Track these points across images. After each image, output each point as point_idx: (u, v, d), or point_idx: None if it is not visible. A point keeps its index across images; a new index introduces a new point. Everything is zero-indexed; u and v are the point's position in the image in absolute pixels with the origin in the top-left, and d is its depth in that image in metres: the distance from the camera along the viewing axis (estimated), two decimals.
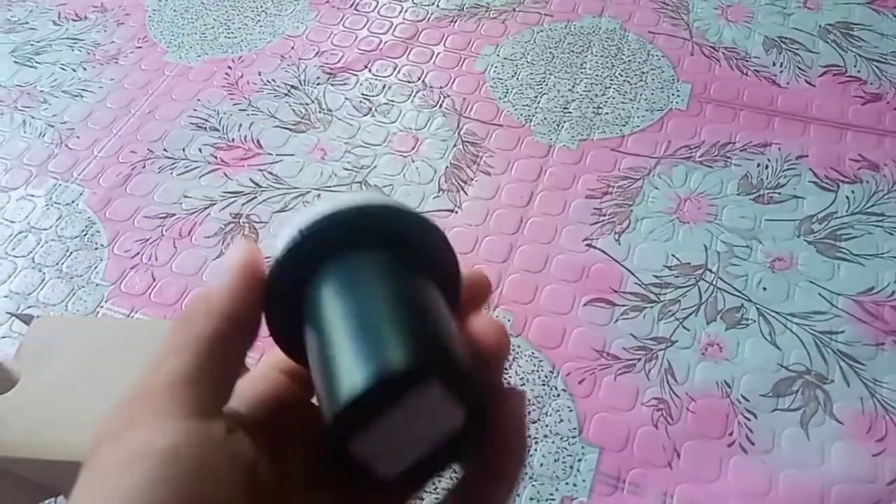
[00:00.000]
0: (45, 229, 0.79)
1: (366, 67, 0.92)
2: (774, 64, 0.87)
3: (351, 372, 0.15)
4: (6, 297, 0.73)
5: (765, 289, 0.68)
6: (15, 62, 0.97)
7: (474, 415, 0.16)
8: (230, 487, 0.16)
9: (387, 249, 0.18)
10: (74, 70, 0.95)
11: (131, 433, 0.16)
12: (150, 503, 0.14)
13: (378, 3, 1.00)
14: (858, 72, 0.85)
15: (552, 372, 0.64)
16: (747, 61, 0.88)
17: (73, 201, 0.81)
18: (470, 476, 0.18)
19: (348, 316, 0.17)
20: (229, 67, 0.94)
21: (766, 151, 0.79)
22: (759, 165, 0.78)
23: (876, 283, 0.68)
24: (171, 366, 0.17)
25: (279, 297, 0.18)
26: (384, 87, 0.90)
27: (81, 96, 0.92)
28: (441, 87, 0.89)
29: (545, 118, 0.84)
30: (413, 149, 0.83)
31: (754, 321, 0.66)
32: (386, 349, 0.15)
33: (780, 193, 0.75)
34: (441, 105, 0.87)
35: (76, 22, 1.02)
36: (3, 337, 0.70)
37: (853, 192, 0.75)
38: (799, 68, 0.87)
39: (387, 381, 0.15)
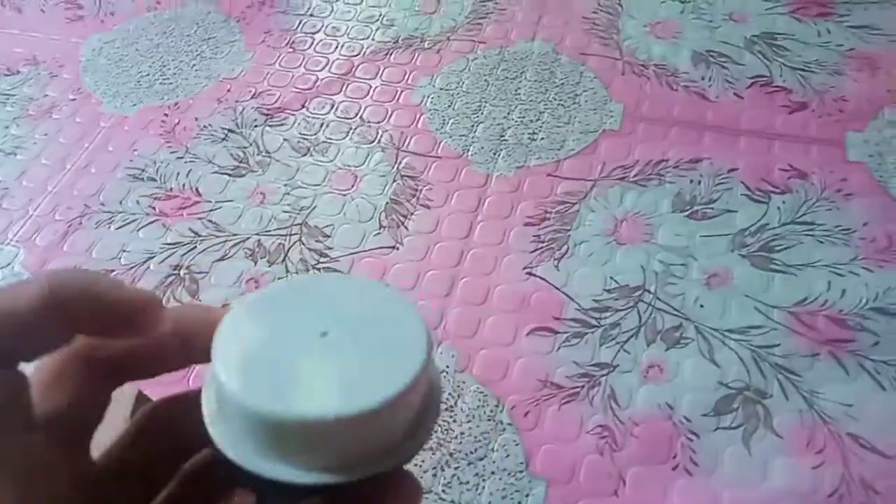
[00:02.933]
0: None
1: (303, 106, 0.92)
2: (703, 78, 0.89)
3: None
4: None
5: (702, 306, 0.69)
6: None
7: None
8: None
9: None
10: (7, 127, 0.94)
11: None
12: None
13: (313, 39, 1.01)
14: (784, 81, 0.87)
15: (497, 406, 0.64)
16: (677, 77, 0.89)
17: (8, 264, 0.79)
18: None
19: None
20: (165, 115, 0.93)
21: (699, 167, 0.80)
22: (691, 182, 0.79)
23: (809, 293, 0.69)
24: None
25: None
26: (322, 125, 0.90)
27: (15, 154, 0.91)
28: (378, 122, 0.89)
29: (482, 147, 0.85)
30: (352, 187, 0.83)
31: (693, 339, 0.67)
32: None
33: (713, 209, 0.76)
34: (379, 140, 0.87)
35: (8, 77, 1.00)
36: None
37: (784, 202, 0.76)
38: (727, 81, 0.88)
39: None
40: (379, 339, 0.19)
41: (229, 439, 0.18)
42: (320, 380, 0.18)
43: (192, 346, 0.21)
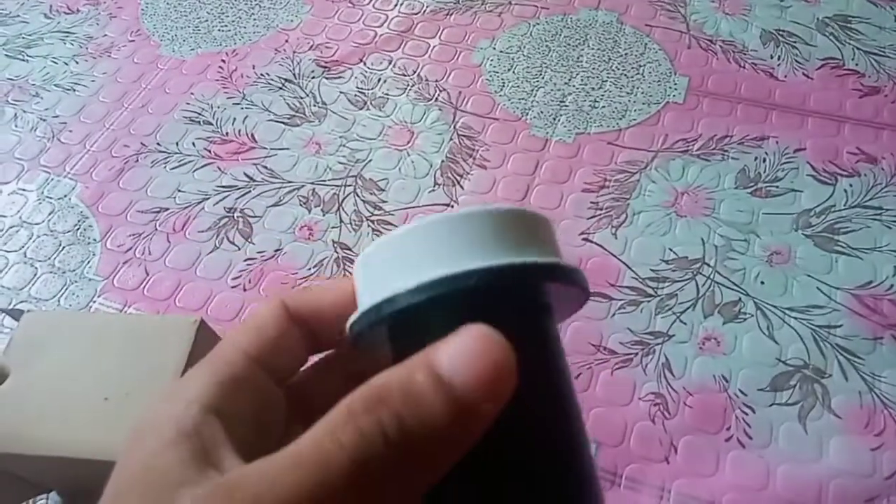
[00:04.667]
0: (37, 224, 0.78)
1: (361, 61, 0.92)
2: (772, 57, 0.87)
3: None
4: None
5: (762, 283, 0.67)
6: (6, 56, 0.96)
7: None
8: None
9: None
10: (66, 63, 0.94)
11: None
12: None
13: None
14: (856, 65, 0.85)
15: None
16: (745, 54, 0.87)
17: (65, 195, 0.80)
18: None
19: None
20: (223, 61, 0.93)
21: (764, 145, 0.78)
22: (756, 159, 0.77)
23: (874, 276, 0.67)
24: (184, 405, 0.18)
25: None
26: (379, 80, 0.89)
27: (74, 90, 0.91)
28: (437, 81, 0.88)
29: (542, 112, 0.84)
30: (408, 143, 0.82)
31: (752, 315, 0.65)
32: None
33: (777, 187, 0.75)
34: (436, 98, 0.86)
35: (68, 15, 1.01)
36: None
37: (851, 185, 0.74)
38: (797, 61, 0.86)
39: None
40: None
41: (378, 290, 0.17)
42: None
43: None
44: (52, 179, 0.82)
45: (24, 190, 0.81)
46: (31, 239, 0.76)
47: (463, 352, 0.15)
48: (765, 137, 0.79)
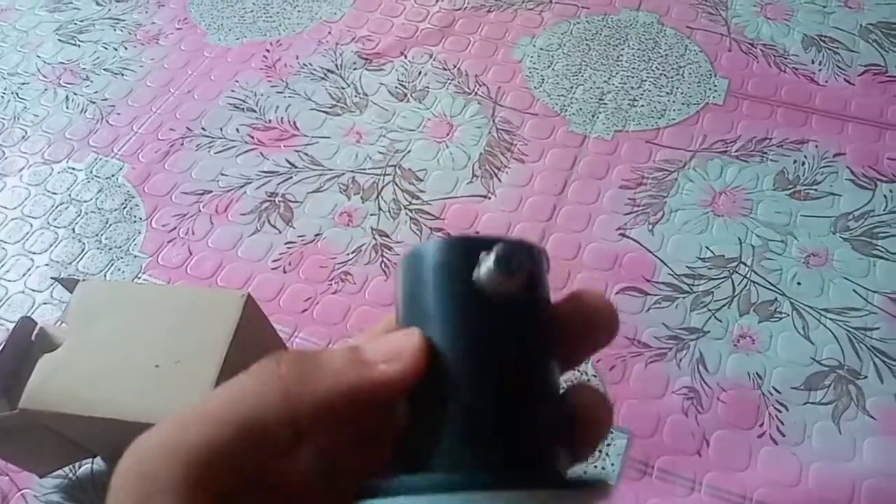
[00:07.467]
0: (85, 201, 0.80)
1: (402, 54, 0.93)
2: (813, 62, 0.87)
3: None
4: (47, 265, 0.75)
5: (799, 283, 0.67)
6: (59, 40, 0.99)
7: None
8: None
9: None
10: (116, 49, 0.97)
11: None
12: None
13: None
14: None
15: None
16: (785, 59, 0.88)
17: (113, 175, 0.82)
18: None
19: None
20: (267, 50, 0.95)
21: (803, 148, 0.78)
22: (795, 162, 0.77)
23: None
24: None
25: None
26: (420, 73, 0.91)
27: (122, 74, 0.94)
28: (476, 75, 0.89)
29: (580, 108, 0.84)
30: (447, 135, 0.84)
31: (788, 315, 0.66)
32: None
33: (816, 190, 0.75)
34: (476, 92, 0.88)
35: (118, 3, 1.04)
36: (44, 303, 0.71)
37: (891, 191, 0.74)
38: (838, 67, 0.86)
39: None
40: None
41: None
42: None
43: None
44: (101, 159, 0.84)
45: (73, 168, 0.83)
46: (79, 215, 0.79)
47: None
48: (804, 141, 0.79)
